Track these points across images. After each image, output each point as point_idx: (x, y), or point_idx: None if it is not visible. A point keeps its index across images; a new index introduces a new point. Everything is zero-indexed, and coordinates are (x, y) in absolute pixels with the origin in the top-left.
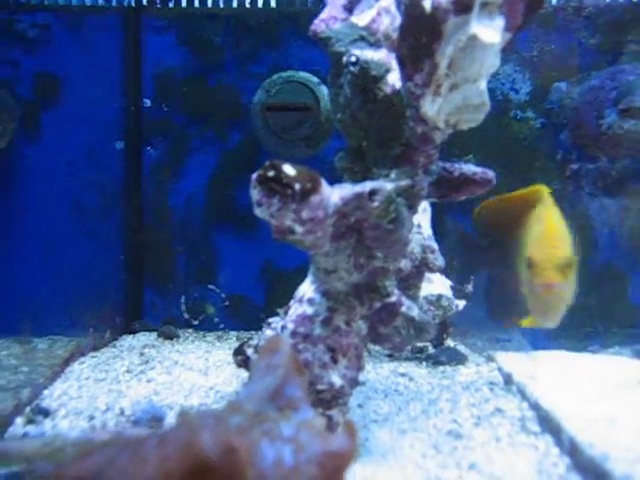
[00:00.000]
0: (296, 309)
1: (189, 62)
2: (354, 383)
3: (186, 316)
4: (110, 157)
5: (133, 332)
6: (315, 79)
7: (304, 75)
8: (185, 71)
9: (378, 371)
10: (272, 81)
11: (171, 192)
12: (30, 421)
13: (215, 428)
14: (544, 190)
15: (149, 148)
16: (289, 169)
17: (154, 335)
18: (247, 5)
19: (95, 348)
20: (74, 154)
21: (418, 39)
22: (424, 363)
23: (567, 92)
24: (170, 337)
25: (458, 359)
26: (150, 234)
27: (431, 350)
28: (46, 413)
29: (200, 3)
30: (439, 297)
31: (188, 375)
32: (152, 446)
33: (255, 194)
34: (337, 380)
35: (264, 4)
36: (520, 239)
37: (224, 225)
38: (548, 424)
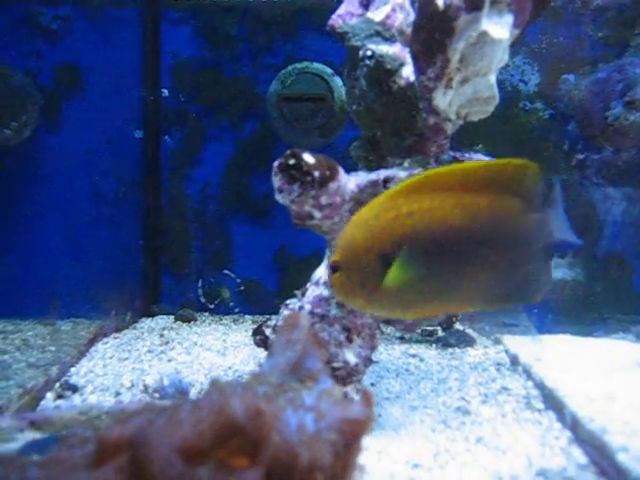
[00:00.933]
0: (313, 291)
1: (206, 53)
2: (368, 361)
3: (202, 300)
4: (129, 145)
5: (152, 315)
6: (329, 70)
7: (318, 66)
8: (202, 62)
9: (390, 352)
10: (287, 72)
11: (188, 180)
12: (60, 396)
13: (244, 395)
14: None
15: (167, 137)
16: (309, 157)
17: (172, 318)
18: None
19: (117, 330)
20: (94, 142)
21: (431, 35)
22: (434, 345)
23: (575, 84)
24: (188, 320)
25: (466, 341)
26: (167, 220)
27: (440, 333)
28: (74, 389)
29: None
30: None
31: (207, 355)
32: (187, 410)
33: (276, 181)
34: (352, 358)
35: None
36: None
37: (239, 212)
38: (551, 401)
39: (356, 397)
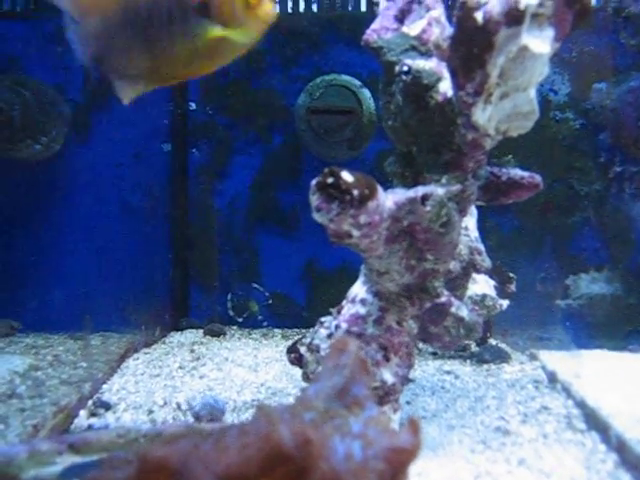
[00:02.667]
0: (349, 309)
1: (233, 66)
2: (405, 380)
3: (231, 313)
4: (157, 159)
5: (180, 329)
6: (357, 82)
7: (346, 78)
8: (229, 75)
9: (424, 369)
10: (315, 84)
11: (216, 193)
12: (93, 414)
13: (292, 421)
14: None
15: (194, 150)
16: (347, 176)
17: (200, 332)
18: (289, 10)
19: (146, 344)
20: (123, 156)
21: (470, 50)
22: (468, 361)
23: (607, 93)
24: (217, 334)
25: (502, 357)
26: (195, 234)
27: (474, 348)
28: (107, 407)
29: None
30: (484, 297)
31: (239, 371)
32: (233, 435)
33: (314, 200)
34: (389, 377)
35: (305, 9)
36: None
37: (267, 225)
38: (594, 421)
39: (393, 416)
